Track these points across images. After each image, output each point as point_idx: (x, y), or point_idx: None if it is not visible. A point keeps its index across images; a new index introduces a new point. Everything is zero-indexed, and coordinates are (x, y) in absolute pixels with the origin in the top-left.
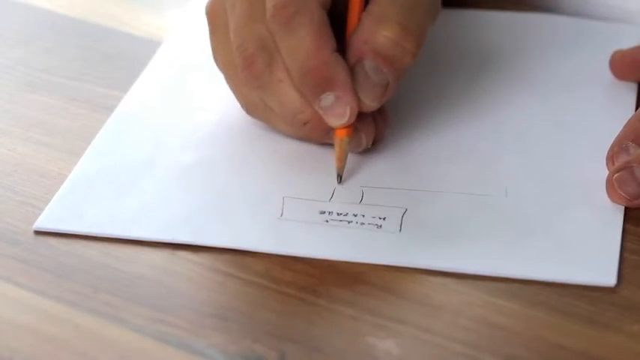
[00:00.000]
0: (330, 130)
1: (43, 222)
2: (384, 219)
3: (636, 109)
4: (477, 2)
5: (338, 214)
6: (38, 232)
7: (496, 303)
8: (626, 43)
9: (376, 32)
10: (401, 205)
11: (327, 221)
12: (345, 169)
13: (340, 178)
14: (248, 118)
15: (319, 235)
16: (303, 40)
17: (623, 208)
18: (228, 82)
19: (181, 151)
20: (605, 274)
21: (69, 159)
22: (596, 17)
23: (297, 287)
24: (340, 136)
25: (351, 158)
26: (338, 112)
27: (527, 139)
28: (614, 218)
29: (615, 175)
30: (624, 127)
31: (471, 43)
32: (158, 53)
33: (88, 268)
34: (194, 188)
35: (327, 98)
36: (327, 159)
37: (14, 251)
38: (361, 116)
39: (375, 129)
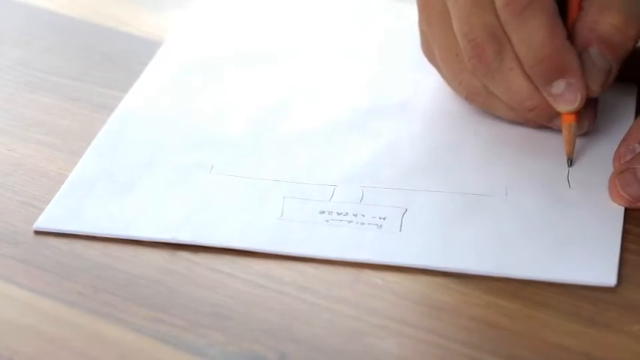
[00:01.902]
0: (554, 117)
1: (43, 222)
2: (384, 219)
3: (636, 109)
4: None
5: (338, 214)
6: (38, 232)
7: (496, 303)
8: None
9: (601, 20)
10: (401, 205)
11: (327, 221)
12: (346, 169)
13: (571, 162)
14: (248, 117)
15: (319, 235)
16: (537, 30)
17: (623, 208)
18: (444, 69)
19: (181, 151)
20: (606, 274)
21: (69, 159)
22: None
23: (297, 287)
24: (569, 122)
25: (352, 158)
26: (569, 99)
27: (527, 138)
28: (614, 218)
29: (618, 176)
30: (631, 128)
31: None
32: (158, 53)
33: (88, 268)
34: (194, 188)
35: (559, 85)
36: (318, 158)
37: (14, 251)
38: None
39: (595, 114)
